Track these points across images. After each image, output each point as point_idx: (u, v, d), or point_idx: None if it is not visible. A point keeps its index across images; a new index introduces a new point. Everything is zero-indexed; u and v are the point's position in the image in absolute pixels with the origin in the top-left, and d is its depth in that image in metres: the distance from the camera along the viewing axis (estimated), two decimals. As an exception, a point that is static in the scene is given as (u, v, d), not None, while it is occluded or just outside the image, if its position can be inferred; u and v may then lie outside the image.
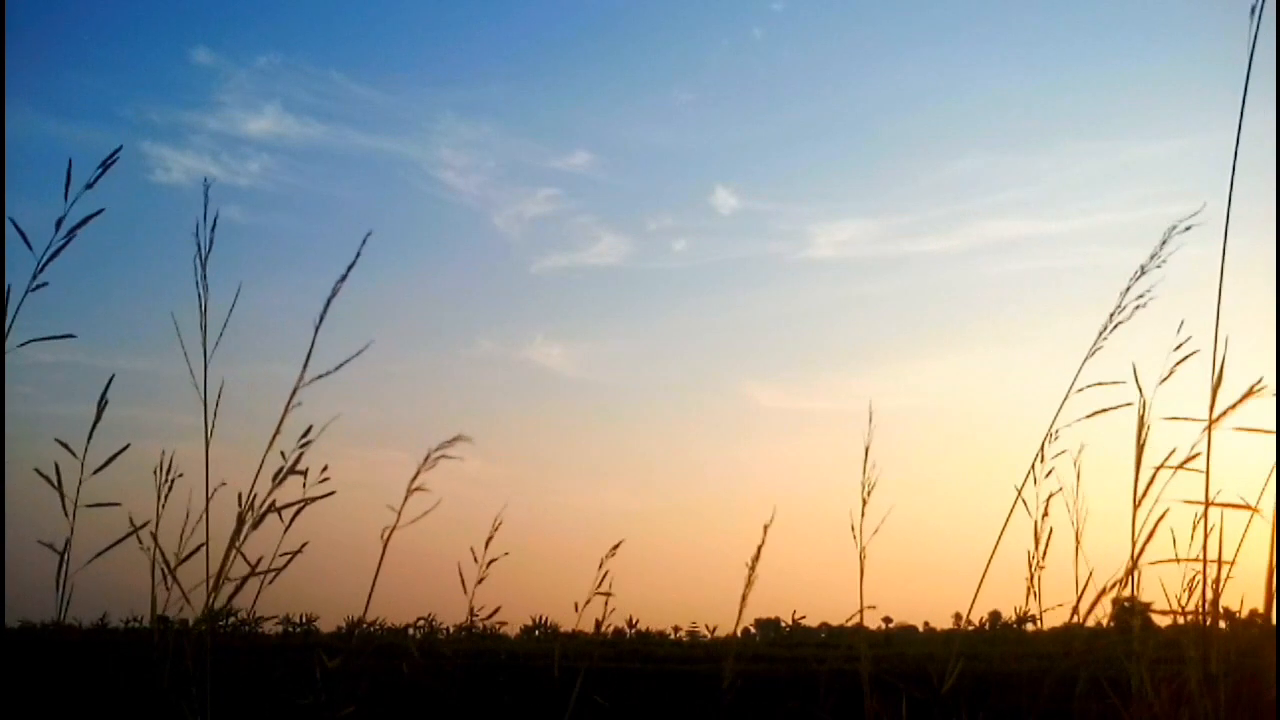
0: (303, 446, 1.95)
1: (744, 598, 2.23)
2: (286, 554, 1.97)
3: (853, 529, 2.06)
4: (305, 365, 1.97)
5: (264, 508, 1.94)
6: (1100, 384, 1.88)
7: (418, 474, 1.97)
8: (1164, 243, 1.88)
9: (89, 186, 1.78)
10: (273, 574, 1.95)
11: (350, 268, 2.00)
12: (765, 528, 2.26)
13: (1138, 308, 1.89)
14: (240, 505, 1.96)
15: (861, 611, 2.22)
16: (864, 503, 2.07)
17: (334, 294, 1.98)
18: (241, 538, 1.94)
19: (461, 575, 2.33)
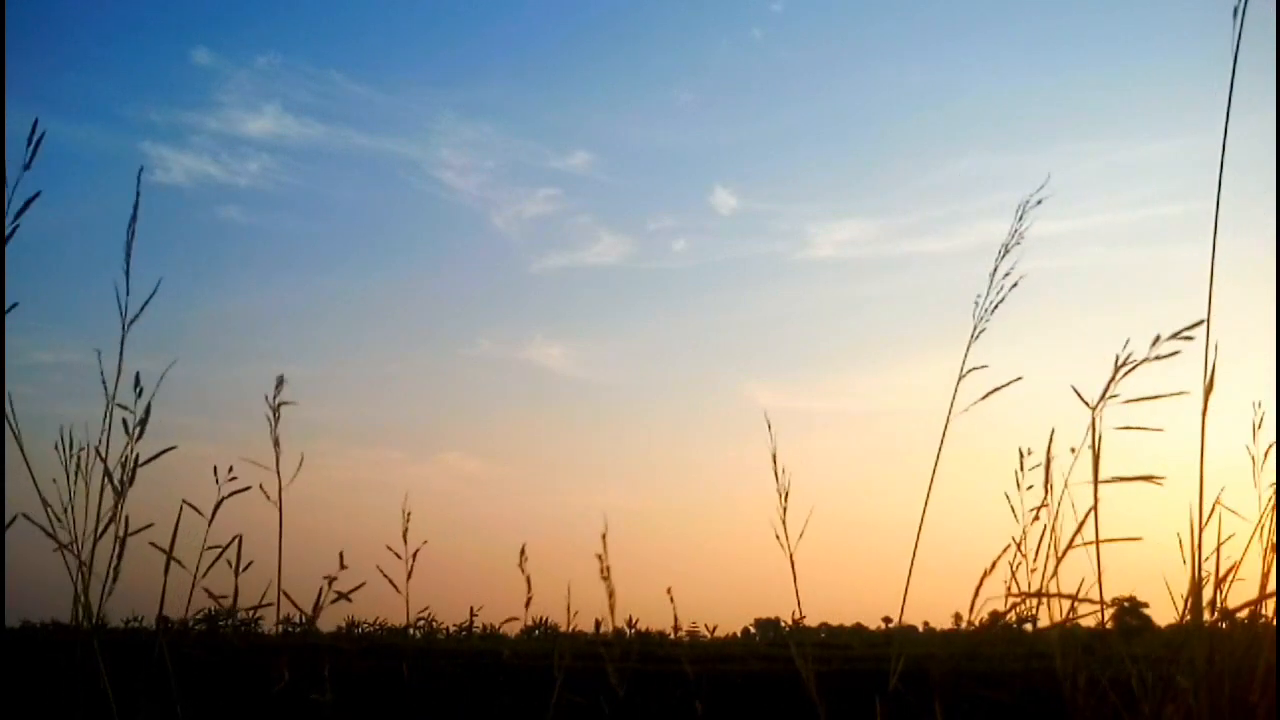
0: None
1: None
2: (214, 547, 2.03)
3: (777, 536, 2.09)
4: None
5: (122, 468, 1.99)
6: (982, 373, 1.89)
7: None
8: (1020, 216, 2.01)
9: (26, 167, 1.79)
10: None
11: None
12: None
13: (1013, 286, 2.00)
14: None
15: (800, 612, 2.25)
16: (783, 509, 2.09)
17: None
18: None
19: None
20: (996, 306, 2.02)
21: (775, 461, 2.08)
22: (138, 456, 2.05)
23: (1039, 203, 2.00)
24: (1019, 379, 1.95)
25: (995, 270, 2.02)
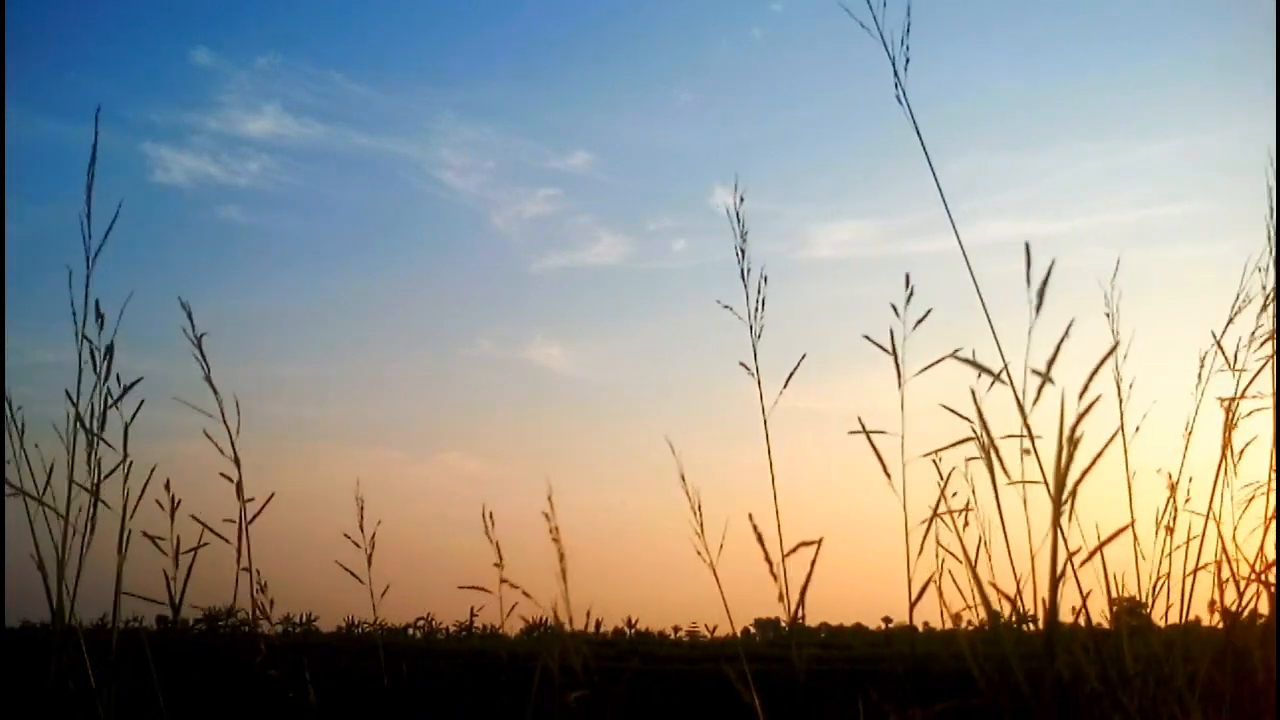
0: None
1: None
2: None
3: (698, 551, 2.08)
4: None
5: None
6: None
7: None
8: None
9: None
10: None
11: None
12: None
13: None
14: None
15: (731, 621, 2.25)
16: (699, 521, 2.09)
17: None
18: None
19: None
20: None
21: (684, 480, 2.08)
22: (107, 396, 1.91)
23: None
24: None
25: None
